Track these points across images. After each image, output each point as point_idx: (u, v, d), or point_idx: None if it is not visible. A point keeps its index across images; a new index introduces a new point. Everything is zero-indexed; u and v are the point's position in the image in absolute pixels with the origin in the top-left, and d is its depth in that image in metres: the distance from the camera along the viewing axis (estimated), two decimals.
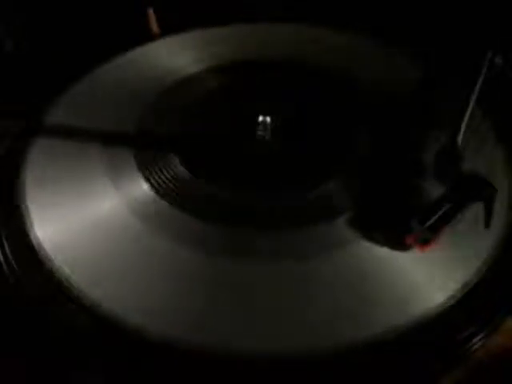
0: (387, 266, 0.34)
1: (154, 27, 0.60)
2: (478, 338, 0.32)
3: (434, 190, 0.36)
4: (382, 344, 0.31)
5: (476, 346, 0.32)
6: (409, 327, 0.32)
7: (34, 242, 0.36)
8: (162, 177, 0.39)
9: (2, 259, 0.36)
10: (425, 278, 0.34)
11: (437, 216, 0.33)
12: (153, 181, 0.39)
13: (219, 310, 0.32)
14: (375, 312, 0.32)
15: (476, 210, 0.35)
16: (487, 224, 0.35)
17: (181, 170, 0.40)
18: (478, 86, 0.41)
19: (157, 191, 0.38)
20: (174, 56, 0.51)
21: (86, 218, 0.37)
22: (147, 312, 0.32)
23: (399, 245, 0.34)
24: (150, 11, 0.59)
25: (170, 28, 0.56)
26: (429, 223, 0.33)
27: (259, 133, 0.41)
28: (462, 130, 0.38)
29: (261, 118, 0.40)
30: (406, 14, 0.58)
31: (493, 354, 0.34)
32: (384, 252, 0.35)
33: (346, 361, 0.31)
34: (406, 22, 0.57)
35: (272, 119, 0.41)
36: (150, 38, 0.54)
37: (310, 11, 0.57)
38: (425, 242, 0.33)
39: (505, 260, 0.35)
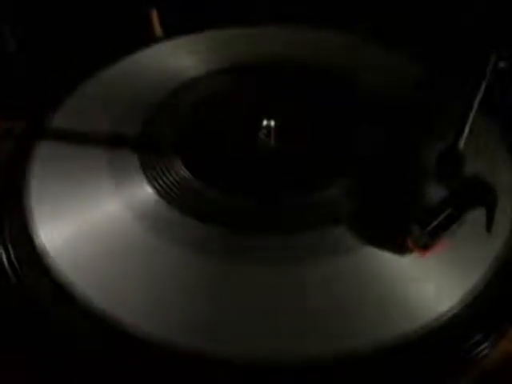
0: (390, 273, 0.34)
1: (157, 29, 0.60)
2: (485, 345, 0.31)
3: (436, 194, 0.36)
4: (386, 352, 0.31)
5: (482, 354, 0.31)
6: (413, 335, 0.31)
7: (37, 242, 0.36)
8: (165, 179, 0.39)
9: (4, 259, 0.36)
10: (429, 284, 0.34)
11: (438, 220, 0.33)
12: (156, 183, 0.39)
13: (220, 312, 0.32)
14: (377, 320, 0.32)
15: (481, 215, 0.35)
16: (489, 229, 0.35)
17: (184, 172, 0.40)
18: (481, 90, 0.41)
19: (159, 193, 0.38)
20: (177, 58, 0.51)
21: (88, 219, 0.37)
22: (147, 313, 0.32)
23: (400, 249, 0.34)
24: (154, 13, 0.60)
25: (172, 30, 0.56)
26: (430, 227, 0.33)
27: (262, 136, 0.41)
28: (465, 134, 0.38)
29: (265, 122, 0.40)
30: (407, 15, 0.58)
31: (500, 361, 0.34)
32: (387, 258, 0.34)
33: (348, 369, 0.30)
34: (406, 23, 0.57)
35: (276, 123, 0.41)
36: (153, 40, 0.55)
37: (310, 12, 0.57)
38: (425, 247, 0.33)
39: (510, 265, 0.35)
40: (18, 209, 0.38)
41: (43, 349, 0.33)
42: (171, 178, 0.40)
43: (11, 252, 0.36)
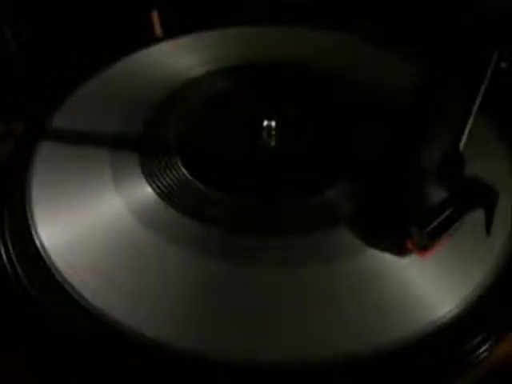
0: (390, 274, 0.34)
1: (158, 29, 0.60)
2: (484, 347, 0.31)
3: (436, 194, 0.36)
4: (386, 355, 0.31)
5: (482, 356, 0.31)
6: (413, 337, 0.31)
7: (37, 242, 0.36)
8: (165, 180, 0.39)
9: (5, 259, 0.36)
10: (430, 287, 0.34)
11: (438, 221, 0.33)
12: (156, 183, 0.39)
13: (219, 313, 0.33)
14: (378, 322, 0.32)
15: (481, 215, 0.35)
16: (488, 230, 0.35)
17: (184, 173, 0.40)
18: (482, 91, 0.41)
19: (159, 193, 0.38)
20: (178, 58, 0.51)
21: (88, 219, 0.37)
22: (146, 314, 0.32)
23: (399, 250, 0.34)
24: (154, 13, 0.60)
25: (173, 30, 0.57)
26: (429, 228, 0.33)
27: (263, 137, 0.41)
28: (465, 135, 0.38)
29: (265, 123, 0.40)
30: (407, 15, 0.58)
31: (499, 363, 0.34)
32: (387, 259, 0.34)
33: (347, 371, 0.30)
34: (406, 23, 0.57)
35: (276, 123, 0.41)
36: (153, 40, 0.55)
37: (310, 12, 0.57)
38: (425, 248, 0.33)
39: (510, 267, 0.35)
40: (18, 208, 0.38)
41: (43, 348, 0.33)
42: (171, 178, 0.40)
43: (11, 251, 0.36)
